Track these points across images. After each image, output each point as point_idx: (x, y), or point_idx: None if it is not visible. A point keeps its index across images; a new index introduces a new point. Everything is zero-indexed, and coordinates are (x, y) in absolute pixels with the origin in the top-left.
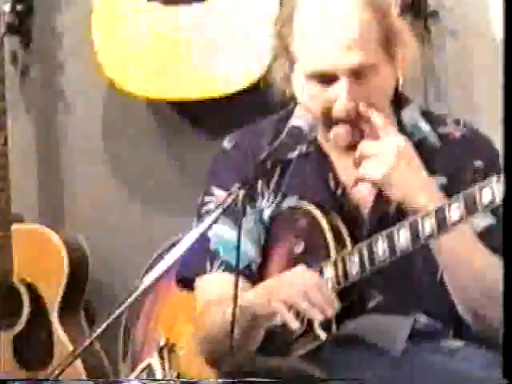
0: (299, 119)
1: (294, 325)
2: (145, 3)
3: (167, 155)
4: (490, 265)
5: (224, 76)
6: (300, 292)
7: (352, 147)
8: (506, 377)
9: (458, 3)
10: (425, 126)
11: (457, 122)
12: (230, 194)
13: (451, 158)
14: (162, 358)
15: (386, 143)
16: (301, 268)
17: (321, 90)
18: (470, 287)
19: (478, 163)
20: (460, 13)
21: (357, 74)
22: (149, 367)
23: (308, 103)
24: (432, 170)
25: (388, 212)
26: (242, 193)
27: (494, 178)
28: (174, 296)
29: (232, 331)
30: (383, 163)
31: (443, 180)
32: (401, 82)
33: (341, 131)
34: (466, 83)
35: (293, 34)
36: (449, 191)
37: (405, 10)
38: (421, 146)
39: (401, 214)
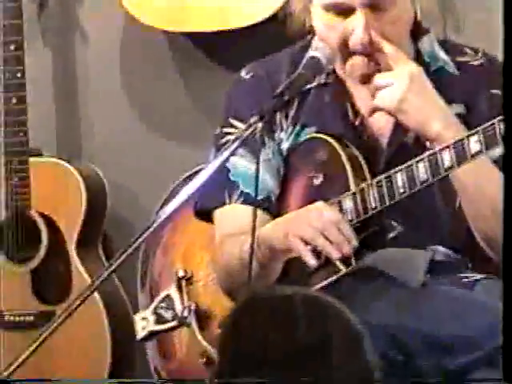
0: (317, 50)
1: (311, 261)
2: None
3: (185, 88)
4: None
5: (242, 7)
6: (317, 228)
7: (370, 79)
8: (506, 379)
9: None
10: (443, 56)
11: (475, 51)
12: (248, 126)
13: (469, 87)
14: (180, 288)
15: (398, 71)
16: (320, 203)
17: (338, 22)
18: (488, 215)
19: (495, 91)
20: None
21: (373, 6)
22: (167, 298)
23: (325, 34)
24: (450, 99)
25: (406, 142)
26: (260, 124)
27: None
28: (193, 227)
29: (250, 262)
30: (396, 90)
31: (461, 109)
32: (419, 12)
33: (357, 62)
34: (483, 13)
35: None
36: (466, 120)
37: None
38: (439, 75)
39: (419, 144)
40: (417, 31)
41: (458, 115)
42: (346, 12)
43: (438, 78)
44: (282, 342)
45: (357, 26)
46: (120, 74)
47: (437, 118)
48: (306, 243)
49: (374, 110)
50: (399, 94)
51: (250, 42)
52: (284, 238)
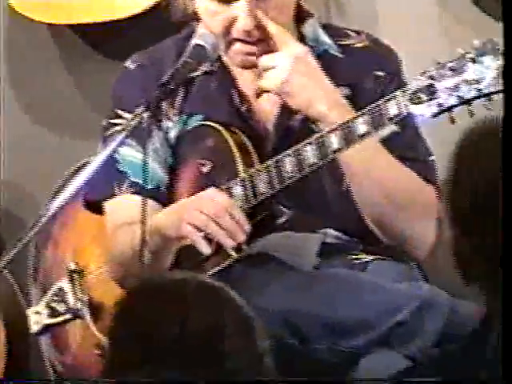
0: (202, 38)
1: (205, 249)
2: None
3: (71, 79)
4: (394, 171)
5: None
6: (209, 215)
7: (253, 64)
8: (505, 377)
9: None
10: (326, 39)
11: (358, 33)
12: (134, 116)
13: (353, 68)
14: (72, 281)
15: (283, 53)
16: (211, 190)
17: (221, 8)
18: (377, 199)
19: (379, 72)
20: None
21: None
22: (60, 291)
23: (208, 21)
24: (335, 81)
25: (293, 126)
26: (146, 114)
27: (399, 92)
28: (83, 220)
29: (141, 251)
30: (280, 72)
31: (346, 91)
32: None
33: (240, 49)
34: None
35: None
36: (353, 101)
37: None
38: (323, 59)
39: (306, 127)
40: (299, 15)
41: (345, 97)
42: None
43: (322, 61)
44: (173, 327)
45: (240, 13)
46: (5, 69)
47: (322, 99)
48: (199, 230)
49: (261, 92)
50: (284, 75)
51: (136, 32)
52: (177, 225)
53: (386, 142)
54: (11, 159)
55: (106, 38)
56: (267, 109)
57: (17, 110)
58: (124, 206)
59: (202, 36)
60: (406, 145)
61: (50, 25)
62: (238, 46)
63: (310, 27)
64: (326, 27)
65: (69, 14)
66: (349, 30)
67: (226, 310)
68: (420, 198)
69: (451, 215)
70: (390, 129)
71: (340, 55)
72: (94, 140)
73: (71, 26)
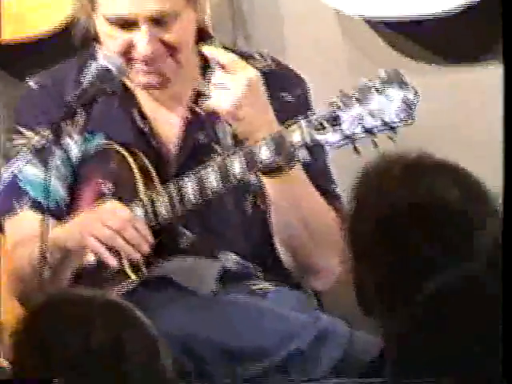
0: (107, 59)
1: (112, 262)
2: None
3: None
4: (311, 199)
5: (35, 17)
6: (113, 228)
7: (153, 87)
8: (505, 377)
9: None
10: None
11: (262, 56)
12: (37, 134)
13: None
14: None
15: (237, 75)
16: (113, 202)
17: (121, 34)
18: (294, 222)
19: (286, 95)
20: None
21: (157, 20)
22: None
23: (108, 44)
24: None
25: (195, 148)
26: (49, 133)
27: (303, 119)
28: None
29: (41, 266)
30: (233, 94)
31: None
32: (206, 21)
33: (141, 69)
34: (274, 24)
35: None
36: None
37: None
38: None
39: (209, 150)
40: (200, 37)
41: None
42: (129, 24)
43: None
44: (77, 345)
45: (140, 40)
46: None
47: (263, 130)
48: (103, 244)
49: (208, 110)
50: (235, 99)
51: (42, 51)
52: (78, 238)
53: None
54: None
55: (13, 57)
56: (169, 130)
57: None
58: (24, 223)
59: (108, 58)
60: (318, 174)
61: None
62: (137, 65)
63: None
64: (229, 49)
65: None
66: (254, 52)
67: (131, 328)
68: (331, 229)
69: (352, 247)
70: (302, 156)
71: None
72: None
73: None
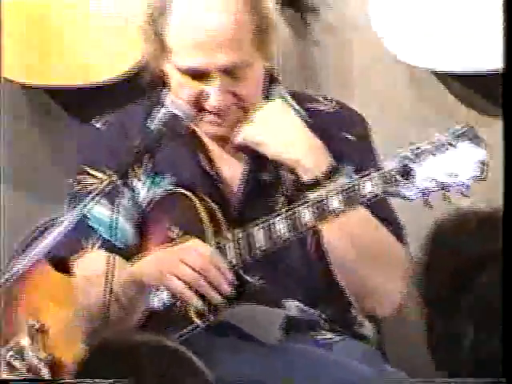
0: (175, 106)
1: (197, 303)
2: None
3: (41, 141)
4: (369, 226)
5: (102, 63)
6: (195, 268)
7: (223, 138)
8: (505, 377)
9: None
10: (293, 104)
11: (325, 98)
12: (107, 176)
13: (321, 131)
14: (32, 339)
15: (264, 108)
16: (194, 241)
17: (193, 83)
18: (348, 248)
19: (348, 135)
20: (340, 8)
21: (230, 72)
22: (20, 349)
23: (179, 92)
24: None
25: (258, 191)
26: (118, 175)
27: (374, 171)
28: (47, 277)
29: (107, 305)
30: (255, 124)
31: None
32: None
33: (211, 119)
34: (344, 78)
35: (168, 26)
36: None
37: (284, 5)
38: None
39: (272, 191)
40: (268, 81)
41: None
42: (201, 75)
43: None
44: None
45: (212, 92)
46: None
47: (295, 145)
48: (186, 284)
49: (239, 144)
50: (257, 126)
51: (109, 96)
52: (158, 276)
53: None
54: None
55: (79, 101)
56: (233, 172)
57: None
58: (92, 262)
59: (176, 104)
60: (378, 205)
61: (24, 86)
62: (206, 116)
63: (276, 92)
64: (294, 93)
65: (44, 76)
66: (316, 95)
67: (186, 376)
68: (391, 254)
69: (425, 295)
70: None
71: (308, 119)
72: (61, 201)
73: (45, 87)
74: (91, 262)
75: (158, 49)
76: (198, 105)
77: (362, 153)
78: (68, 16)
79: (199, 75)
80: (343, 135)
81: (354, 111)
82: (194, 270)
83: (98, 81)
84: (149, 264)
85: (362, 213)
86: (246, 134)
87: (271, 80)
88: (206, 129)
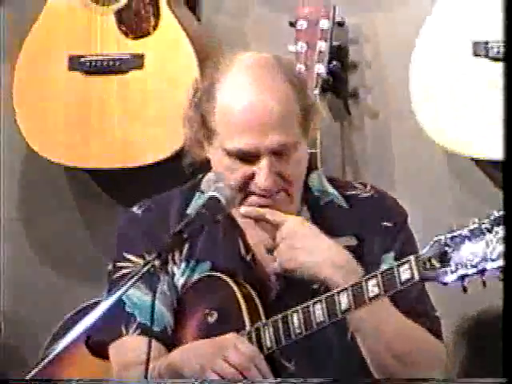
0: (217, 190)
1: None
2: (66, 72)
3: (81, 221)
4: (404, 332)
5: (143, 146)
6: (235, 366)
7: (265, 218)
8: (505, 377)
9: (379, 82)
10: (331, 190)
11: (364, 185)
12: (147, 262)
13: (360, 219)
14: None
15: (282, 230)
16: (233, 336)
17: (240, 165)
18: (381, 351)
19: (386, 223)
20: (380, 92)
21: (278, 153)
22: None
23: (225, 176)
24: (341, 231)
25: (295, 277)
26: (158, 260)
27: (412, 256)
28: (84, 362)
29: None
30: (283, 251)
31: (352, 241)
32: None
33: (257, 202)
34: (384, 163)
35: (213, 109)
36: (359, 252)
37: (325, 89)
38: (328, 209)
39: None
40: (308, 168)
41: (349, 247)
42: (249, 157)
43: (327, 211)
44: None
45: (261, 171)
46: (18, 205)
47: (324, 265)
48: (225, 379)
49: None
50: (289, 254)
51: (149, 178)
52: (198, 369)
53: (396, 295)
54: (17, 296)
55: (118, 183)
56: (269, 259)
57: (27, 248)
58: (131, 347)
59: (218, 189)
60: (415, 299)
61: (66, 167)
62: (253, 198)
63: (316, 178)
64: (332, 179)
65: (84, 158)
66: (354, 181)
67: None
68: (429, 353)
69: None
70: None
71: (346, 205)
72: (100, 283)
73: (86, 169)
74: (130, 348)
75: (199, 133)
76: (245, 187)
77: (400, 241)
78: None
79: (248, 157)
80: (382, 223)
81: (392, 199)
82: (235, 368)
83: (140, 164)
84: (188, 357)
85: (398, 317)
86: (280, 262)
87: (310, 165)
88: (249, 212)
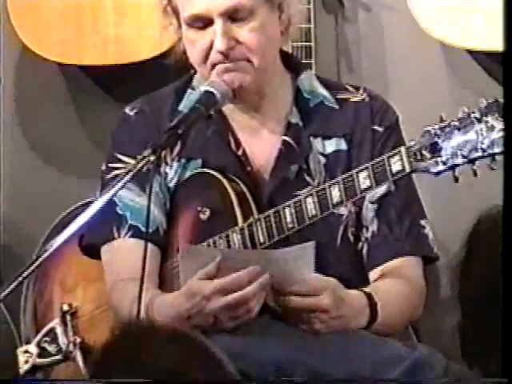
0: (211, 84)
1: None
2: None
3: (78, 119)
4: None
5: (138, 42)
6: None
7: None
8: (505, 377)
9: None
10: (322, 91)
11: (356, 88)
12: (141, 160)
13: (350, 121)
14: (64, 322)
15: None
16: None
17: (199, 35)
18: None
19: (377, 127)
20: None
21: (231, 17)
22: (52, 332)
23: (190, 52)
24: (330, 133)
25: (288, 177)
26: (152, 158)
27: (403, 148)
28: (78, 261)
29: (138, 312)
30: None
31: (341, 142)
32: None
33: (221, 68)
34: (378, 56)
35: None
36: (349, 154)
37: None
38: (318, 109)
39: (300, 179)
40: (295, 67)
41: (338, 151)
42: (205, 24)
43: (317, 112)
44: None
45: (216, 36)
46: (14, 106)
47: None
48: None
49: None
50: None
51: (143, 76)
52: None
53: (383, 200)
54: (15, 196)
55: (115, 81)
56: (262, 158)
57: (24, 148)
58: (122, 250)
59: (212, 83)
60: (401, 206)
61: (60, 64)
62: (217, 67)
63: (307, 80)
64: (324, 81)
65: (79, 55)
66: (347, 84)
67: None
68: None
69: (460, 300)
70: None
71: (336, 107)
72: (97, 181)
73: (82, 67)
74: (122, 251)
75: (173, 18)
76: (208, 57)
77: (390, 146)
78: None
79: (204, 24)
80: (372, 127)
81: (385, 102)
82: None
83: (135, 60)
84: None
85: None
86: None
87: (299, 66)
88: (222, 80)
